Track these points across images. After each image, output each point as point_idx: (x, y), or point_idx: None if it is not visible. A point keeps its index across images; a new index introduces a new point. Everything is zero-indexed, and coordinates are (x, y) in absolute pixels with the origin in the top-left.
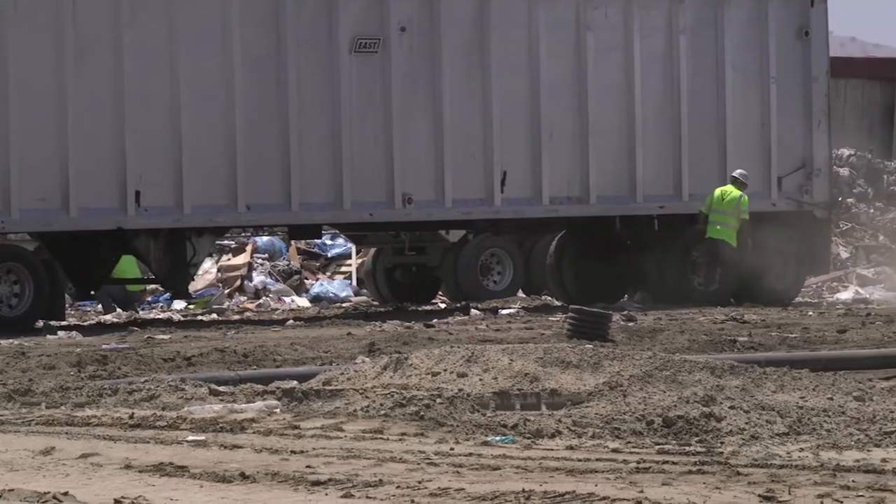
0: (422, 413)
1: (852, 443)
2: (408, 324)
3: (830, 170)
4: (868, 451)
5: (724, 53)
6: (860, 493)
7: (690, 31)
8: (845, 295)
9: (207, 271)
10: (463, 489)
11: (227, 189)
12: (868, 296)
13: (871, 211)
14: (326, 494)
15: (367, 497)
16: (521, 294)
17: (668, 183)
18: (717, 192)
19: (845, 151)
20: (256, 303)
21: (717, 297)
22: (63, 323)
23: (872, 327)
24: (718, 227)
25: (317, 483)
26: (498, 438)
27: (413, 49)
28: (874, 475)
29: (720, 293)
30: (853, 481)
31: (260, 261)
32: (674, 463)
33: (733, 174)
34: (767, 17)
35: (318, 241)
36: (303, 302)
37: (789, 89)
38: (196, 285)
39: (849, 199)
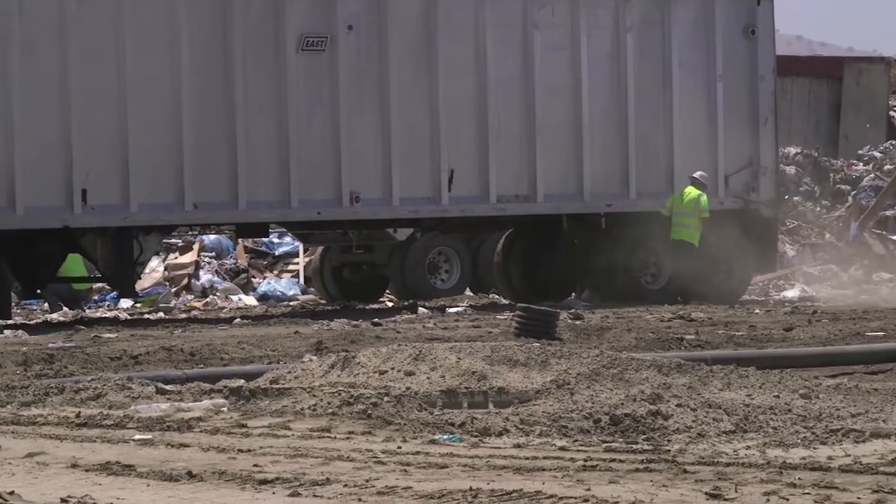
0: (369, 411)
1: (798, 440)
2: (355, 322)
3: (777, 168)
4: (814, 448)
5: (670, 52)
6: (806, 491)
7: (637, 30)
8: (792, 293)
9: (154, 270)
10: (410, 487)
11: (174, 187)
12: (814, 294)
13: (818, 209)
14: (274, 493)
15: (315, 496)
16: (468, 292)
17: (615, 181)
18: (678, 194)
19: (792, 150)
20: (203, 301)
21: (665, 295)
22: (9, 322)
23: (819, 325)
24: (681, 229)
25: (264, 482)
26: (445, 437)
27: (360, 48)
28: (820, 473)
29: (667, 291)
30: (799, 479)
31: (207, 259)
32: (621, 461)
33: (693, 175)
34: (714, 15)
35: (265, 239)
36: (250, 300)
37: (736, 88)
38: (143, 284)
39: (795, 198)
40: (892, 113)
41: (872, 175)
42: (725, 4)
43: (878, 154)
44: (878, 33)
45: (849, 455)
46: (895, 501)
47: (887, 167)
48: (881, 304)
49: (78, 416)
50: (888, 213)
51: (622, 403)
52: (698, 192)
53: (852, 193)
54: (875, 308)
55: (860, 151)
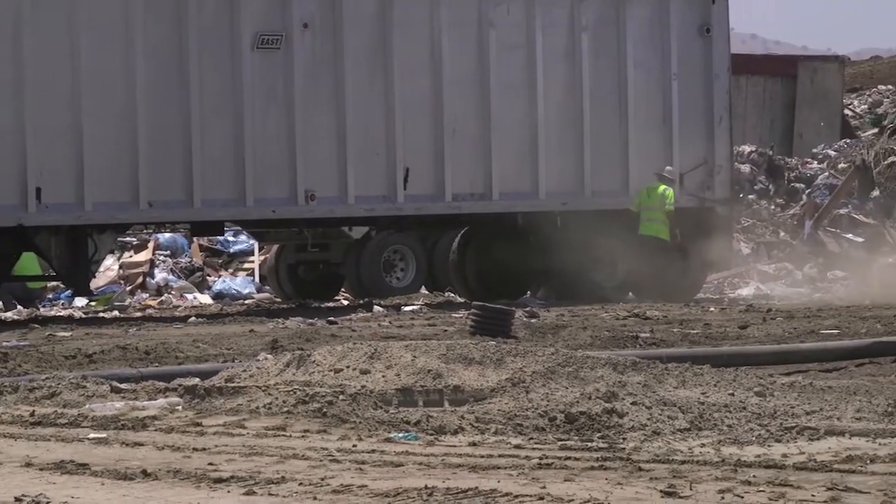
0: (324, 410)
1: (753, 438)
2: (310, 321)
3: (732, 166)
4: (769, 446)
5: (625, 51)
6: (761, 489)
7: (592, 29)
8: (746, 291)
9: (109, 268)
10: (366, 486)
11: (129, 186)
12: (769, 292)
13: (773, 207)
14: (229, 492)
15: (270, 494)
16: (424, 291)
17: (570, 180)
18: (644, 190)
19: (746, 148)
20: (158, 300)
21: (620, 293)
22: None
23: (773, 323)
24: (650, 224)
25: (219, 480)
26: (401, 435)
27: (316, 46)
28: (775, 470)
29: (623, 289)
30: (754, 476)
31: (162, 258)
32: (576, 459)
33: (660, 172)
34: (669, 14)
35: (220, 237)
36: (205, 299)
37: (691, 86)
38: (98, 282)
39: (750, 196)
40: (847, 112)
41: (827, 173)
42: (680, 3)
43: (832, 152)
44: (833, 32)
45: (803, 453)
46: (849, 499)
47: (841, 165)
48: (835, 302)
49: (32, 414)
50: (842, 211)
51: (577, 401)
52: (664, 186)
53: (807, 192)
54: (829, 306)
55: (814, 150)
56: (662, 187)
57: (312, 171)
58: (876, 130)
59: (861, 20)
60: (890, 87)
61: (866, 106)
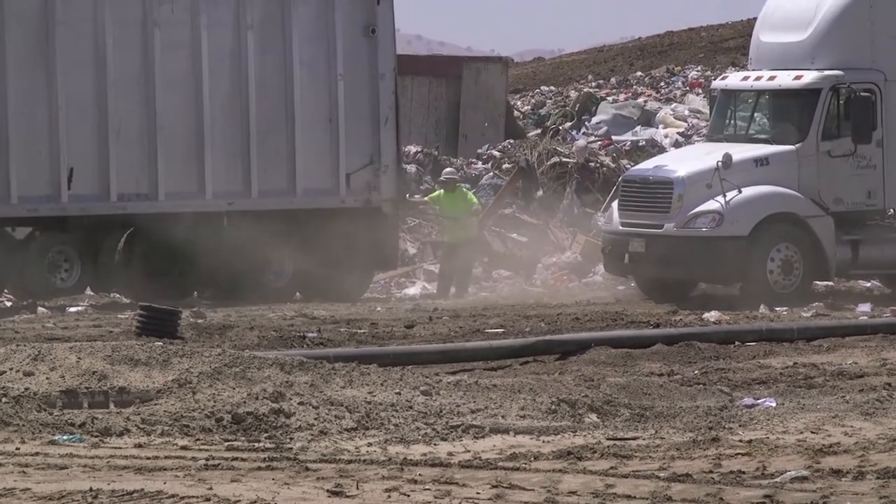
0: None
1: (420, 437)
2: None
3: (398, 166)
4: (435, 444)
5: (292, 50)
6: (427, 487)
7: (258, 28)
8: (413, 290)
9: None
10: (29, 489)
11: None
12: (435, 291)
13: (438, 207)
14: None
15: None
16: (89, 292)
17: (237, 180)
18: (444, 197)
19: (412, 148)
20: None
21: (288, 293)
22: None
23: (439, 322)
24: (457, 230)
25: None
26: (65, 437)
27: None
28: (441, 468)
29: (290, 289)
30: (420, 475)
31: None
32: (243, 459)
33: (447, 177)
34: (335, 14)
35: None
36: None
37: (357, 86)
38: None
39: (416, 196)
40: (516, 112)
41: (491, 173)
42: (346, 3)
43: (496, 153)
44: (496, 33)
45: (469, 451)
46: (514, 496)
47: (505, 166)
48: (500, 301)
49: None
50: (507, 211)
51: (244, 402)
52: (464, 190)
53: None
54: (494, 305)
55: (479, 150)
56: (464, 191)
57: None
58: (539, 131)
59: (524, 23)
60: (552, 88)
61: (529, 107)
